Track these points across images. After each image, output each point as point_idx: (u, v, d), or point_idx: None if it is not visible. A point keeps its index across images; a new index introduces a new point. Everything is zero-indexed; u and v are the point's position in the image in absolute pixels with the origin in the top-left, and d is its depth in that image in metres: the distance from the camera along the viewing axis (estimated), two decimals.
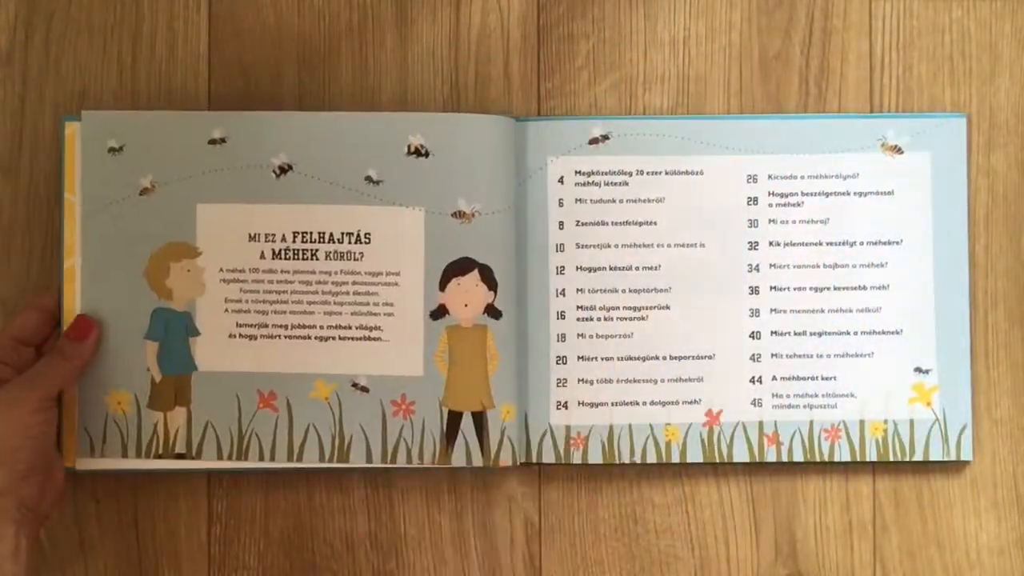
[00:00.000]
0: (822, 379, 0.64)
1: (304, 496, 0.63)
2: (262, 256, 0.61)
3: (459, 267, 0.61)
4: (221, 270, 0.61)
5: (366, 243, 0.61)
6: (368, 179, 0.61)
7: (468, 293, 0.61)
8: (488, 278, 0.61)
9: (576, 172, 0.63)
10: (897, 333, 0.64)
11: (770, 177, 0.64)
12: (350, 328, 0.61)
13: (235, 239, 0.61)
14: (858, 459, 0.63)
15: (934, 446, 0.63)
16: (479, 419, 0.61)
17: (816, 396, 0.64)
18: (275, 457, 0.61)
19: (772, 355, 0.64)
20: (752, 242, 0.64)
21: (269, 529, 0.63)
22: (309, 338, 0.61)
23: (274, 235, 0.61)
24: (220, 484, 0.63)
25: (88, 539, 0.63)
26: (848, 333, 0.64)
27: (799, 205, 0.64)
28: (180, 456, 0.61)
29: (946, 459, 0.63)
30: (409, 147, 0.61)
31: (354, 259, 0.61)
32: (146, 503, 0.63)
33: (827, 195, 0.64)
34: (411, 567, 0.63)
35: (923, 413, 0.63)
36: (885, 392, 0.64)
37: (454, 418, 0.61)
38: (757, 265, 0.64)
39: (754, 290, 0.64)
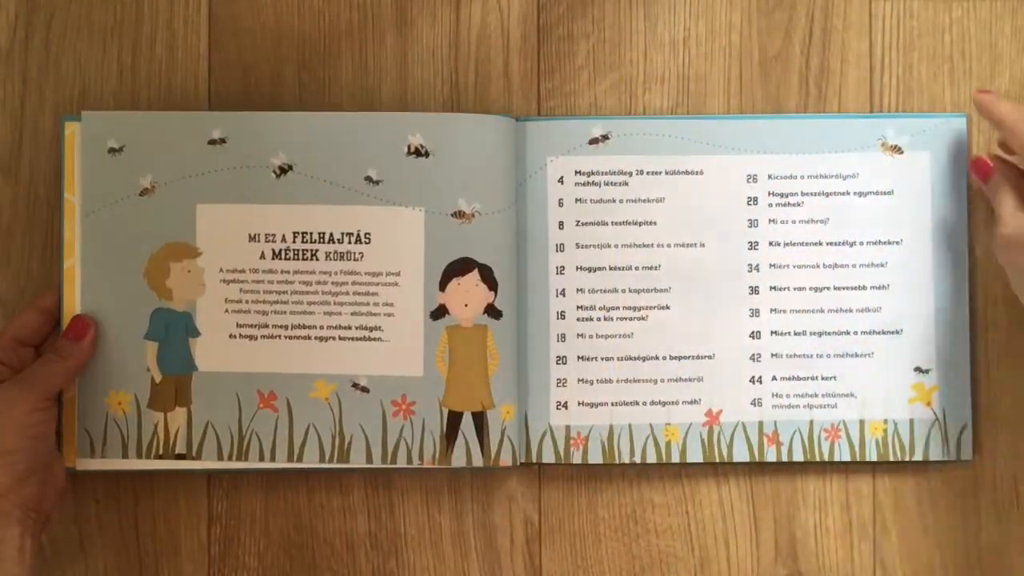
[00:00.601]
0: (822, 379, 0.63)
1: (304, 496, 0.63)
2: (262, 256, 0.61)
3: (459, 267, 0.61)
4: (221, 270, 0.61)
5: (366, 243, 0.61)
6: (368, 179, 0.61)
7: (468, 293, 0.61)
8: (488, 278, 0.61)
9: (576, 172, 0.63)
10: (897, 333, 0.63)
11: (770, 177, 0.64)
12: (350, 328, 0.61)
13: (235, 239, 0.61)
14: (858, 459, 0.63)
15: (934, 446, 0.63)
16: (479, 419, 0.61)
17: (816, 396, 0.63)
18: (275, 457, 0.61)
19: (772, 355, 0.64)
20: (752, 242, 0.64)
21: (269, 529, 0.63)
22: (309, 338, 0.61)
23: (274, 235, 0.61)
24: (220, 484, 0.63)
25: (88, 539, 0.63)
26: (848, 333, 0.64)
27: (799, 205, 0.64)
28: (180, 456, 0.61)
29: (946, 459, 0.63)
30: (409, 147, 0.61)
31: (354, 259, 0.61)
32: (146, 503, 0.63)
33: (827, 195, 0.64)
34: (411, 567, 0.63)
35: (923, 413, 0.63)
36: (885, 392, 0.63)
37: (454, 418, 0.61)
38: (757, 265, 0.64)
39: (754, 290, 0.64)
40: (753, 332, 0.64)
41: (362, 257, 0.61)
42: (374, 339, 0.61)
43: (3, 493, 0.54)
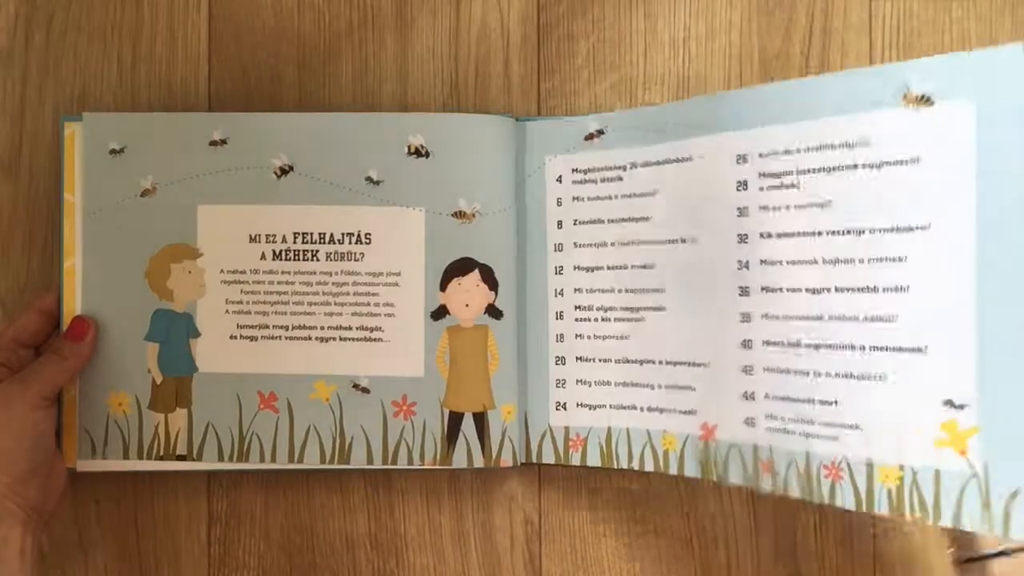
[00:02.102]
0: (820, 403, 0.52)
1: (304, 496, 0.64)
2: (263, 257, 0.61)
3: (460, 267, 0.61)
4: (222, 271, 0.61)
5: (366, 243, 0.61)
6: (368, 179, 0.61)
7: (469, 293, 0.61)
8: (489, 278, 0.61)
9: (573, 170, 0.62)
10: (919, 351, 0.49)
11: (761, 155, 0.54)
12: (351, 329, 0.61)
13: (236, 240, 0.61)
14: (864, 509, 0.51)
15: (970, 509, 0.47)
16: (480, 420, 0.61)
17: (812, 423, 0.52)
18: (276, 458, 0.61)
19: (765, 369, 0.54)
20: (742, 235, 0.55)
21: (269, 529, 0.63)
22: (310, 339, 0.61)
23: (275, 236, 0.61)
24: (220, 484, 0.63)
25: (88, 539, 0.63)
26: (853, 347, 0.51)
27: (794, 187, 0.52)
28: (181, 458, 0.61)
29: (986, 530, 0.47)
30: (409, 147, 0.61)
31: (355, 260, 0.61)
32: (146, 503, 0.63)
33: (828, 171, 0.51)
34: (411, 567, 0.64)
35: (954, 463, 0.48)
36: (900, 428, 0.49)
37: (455, 419, 0.61)
38: (747, 262, 0.55)
39: (744, 291, 0.55)
40: (744, 341, 0.55)
41: (363, 257, 0.61)
42: (375, 340, 0.61)
43: (4, 493, 0.54)
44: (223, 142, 0.61)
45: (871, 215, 0.50)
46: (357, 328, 0.61)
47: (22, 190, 0.63)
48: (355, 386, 0.61)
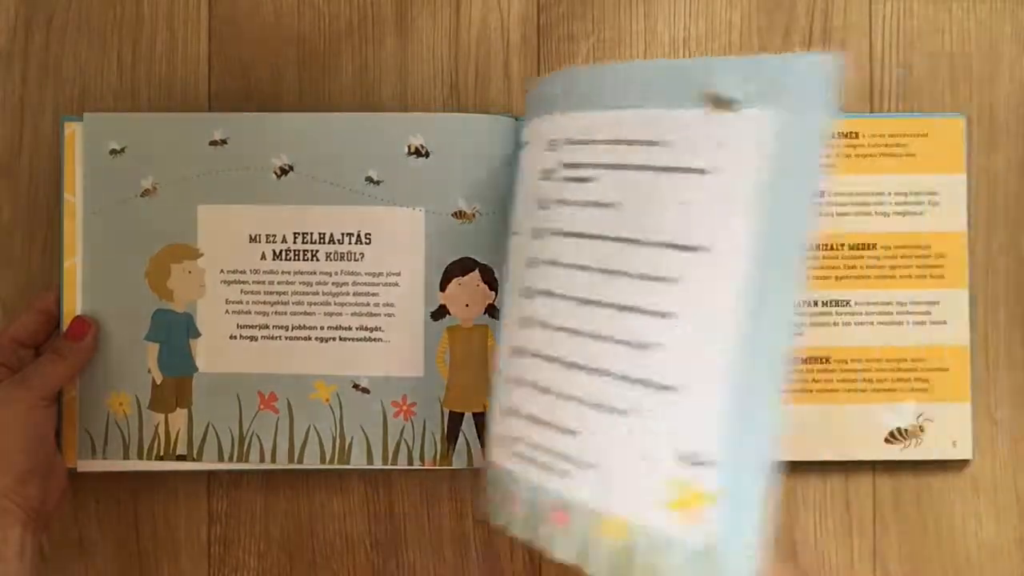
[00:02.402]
0: (561, 431, 0.44)
1: (304, 496, 0.63)
2: (263, 257, 0.61)
3: (460, 267, 0.61)
4: (222, 271, 0.61)
5: (366, 243, 0.61)
6: (368, 179, 0.61)
7: (469, 293, 0.61)
8: (489, 278, 0.61)
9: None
10: (669, 390, 0.41)
11: (568, 142, 0.47)
12: (351, 329, 0.61)
13: (236, 240, 0.61)
14: (582, 565, 0.43)
15: None
16: (480, 420, 0.61)
17: (550, 453, 0.45)
18: (276, 459, 0.61)
19: (526, 383, 0.47)
20: (537, 230, 0.48)
21: (269, 529, 0.63)
22: (310, 339, 0.61)
23: (275, 236, 0.61)
24: (220, 484, 0.63)
25: (88, 539, 0.63)
26: (606, 373, 0.43)
27: (591, 181, 0.45)
28: (181, 458, 0.61)
29: None
30: (409, 147, 0.61)
31: (354, 260, 0.61)
32: (146, 503, 0.63)
33: (624, 168, 0.44)
34: (411, 567, 0.64)
35: (683, 532, 0.39)
36: (633, 477, 0.41)
37: (455, 419, 0.61)
38: (536, 260, 0.48)
39: (527, 293, 0.48)
40: (516, 348, 0.48)
41: (363, 257, 0.61)
42: (375, 340, 0.61)
43: (4, 493, 0.54)
44: (223, 142, 0.61)
45: (652, 225, 0.42)
46: (357, 328, 0.61)
47: (22, 190, 0.63)
48: (355, 386, 0.61)
